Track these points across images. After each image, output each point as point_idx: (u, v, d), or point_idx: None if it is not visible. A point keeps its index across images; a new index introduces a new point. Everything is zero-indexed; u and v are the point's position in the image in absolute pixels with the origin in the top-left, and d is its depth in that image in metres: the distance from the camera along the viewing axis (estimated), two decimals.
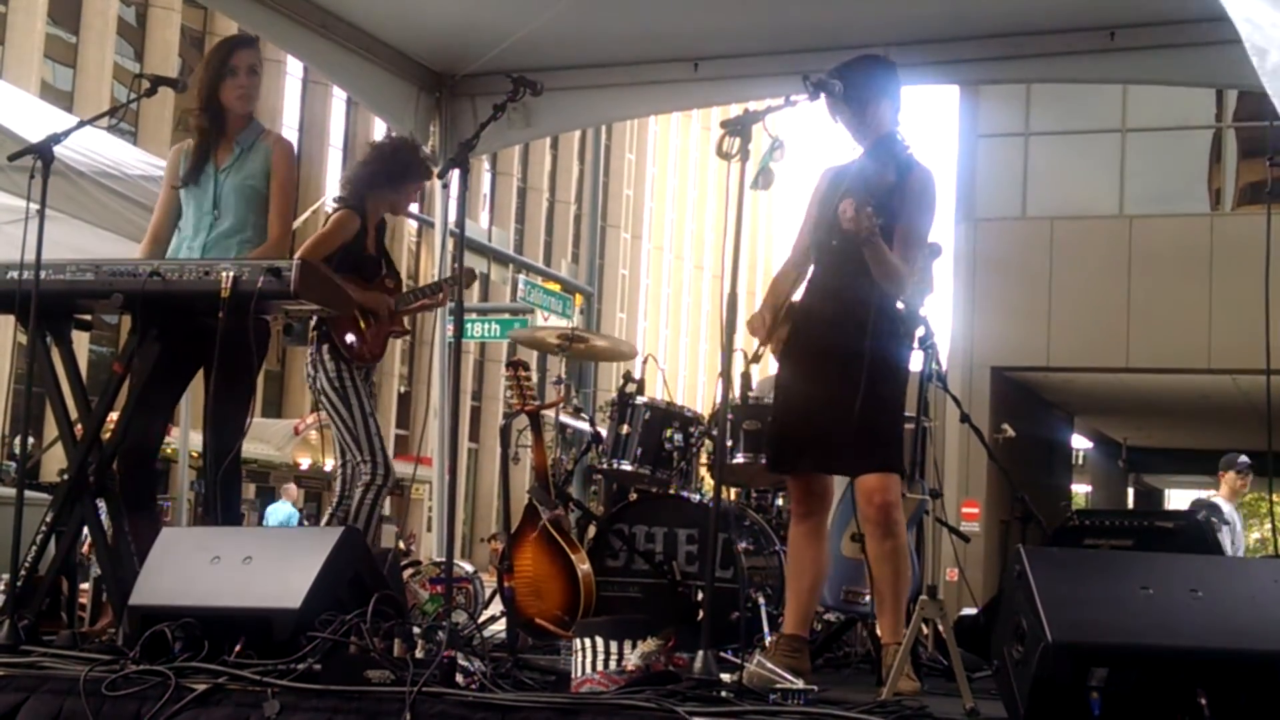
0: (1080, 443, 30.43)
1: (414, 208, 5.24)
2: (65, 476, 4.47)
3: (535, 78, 4.75)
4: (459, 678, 3.53)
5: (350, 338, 5.44)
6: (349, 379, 5.47)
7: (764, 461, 5.61)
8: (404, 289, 5.82)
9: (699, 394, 57.81)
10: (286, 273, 4.29)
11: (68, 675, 3.64)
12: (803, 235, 4.70)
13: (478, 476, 42.59)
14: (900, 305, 4.45)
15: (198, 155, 5.15)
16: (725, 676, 3.72)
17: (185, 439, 8.35)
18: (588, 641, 3.78)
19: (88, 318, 4.73)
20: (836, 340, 4.44)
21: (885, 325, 4.42)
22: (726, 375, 4.10)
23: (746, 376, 6.06)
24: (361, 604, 3.72)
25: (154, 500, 5.22)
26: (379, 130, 34.96)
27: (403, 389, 38.14)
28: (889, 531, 4.36)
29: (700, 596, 5.34)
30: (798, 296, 4.65)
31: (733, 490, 6.17)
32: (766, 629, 5.24)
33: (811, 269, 4.64)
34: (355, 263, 5.51)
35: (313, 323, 5.47)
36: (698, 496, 5.82)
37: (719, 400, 4.20)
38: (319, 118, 37.11)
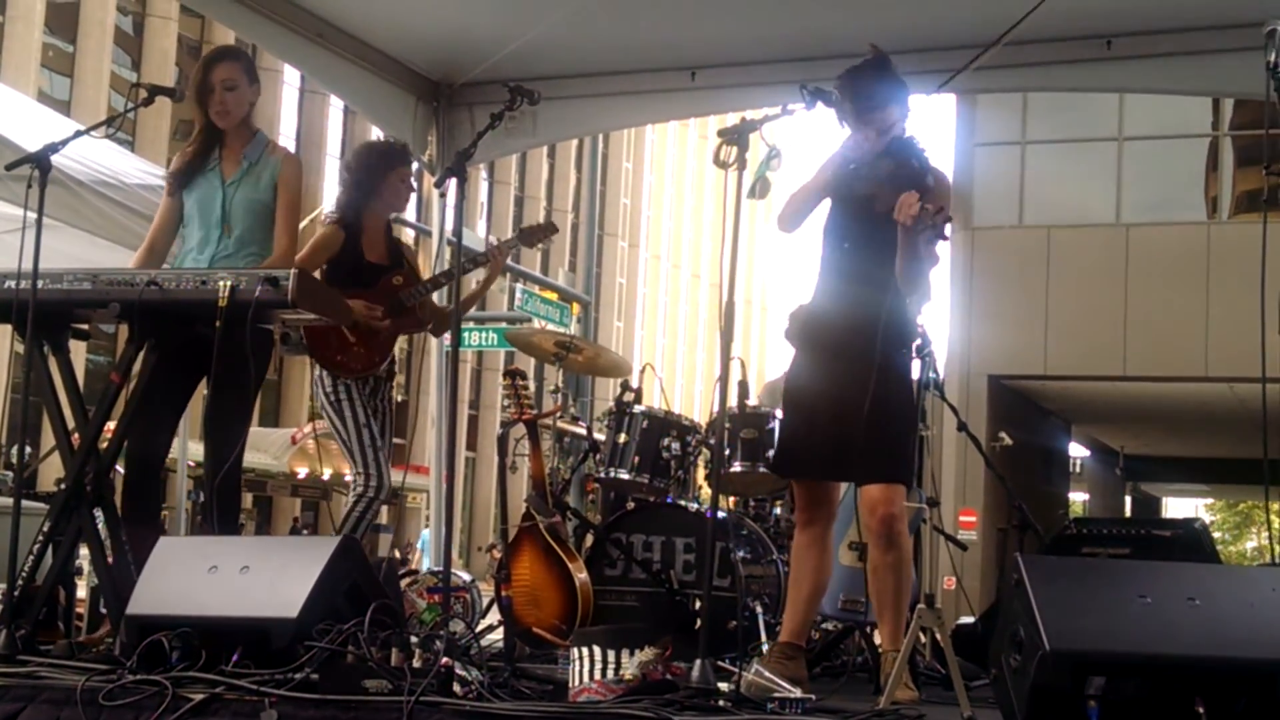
0: (1078, 451, 30.47)
1: (411, 216, 5.21)
2: (62, 486, 4.47)
3: (532, 87, 4.76)
4: (456, 687, 3.53)
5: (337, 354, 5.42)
6: (344, 392, 5.46)
7: (764, 468, 5.62)
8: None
9: (696, 403, 57.82)
10: (284, 282, 4.29)
11: (65, 685, 3.63)
12: (808, 189, 4.54)
13: (475, 485, 42.59)
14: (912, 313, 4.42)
15: (196, 164, 5.15)
16: (722, 685, 3.71)
17: (184, 449, 8.33)
18: (585, 650, 3.77)
19: (85, 327, 4.72)
20: (847, 346, 4.42)
21: (896, 333, 4.41)
22: (724, 383, 4.09)
23: (744, 385, 6.07)
24: (359, 613, 3.71)
25: (158, 513, 5.21)
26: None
27: (400, 398, 38.12)
28: (891, 543, 4.33)
29: (698, 605, 5.34)
30: (807, 300, 4.62)
31: (730, 499, 6.17)
32: (764, 638, 5.24)
33: (819, 274, 4.60)
34: (349, 273, 5.49)
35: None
36: (695, 505, 5.82)
37: (716, 409, 4.19)
38: (316, 127, 37.14)
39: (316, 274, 5.37)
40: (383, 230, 5.68)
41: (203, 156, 5.15)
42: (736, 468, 5.75)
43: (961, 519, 19.76)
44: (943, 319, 22.02)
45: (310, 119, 37.09)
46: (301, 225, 5.59)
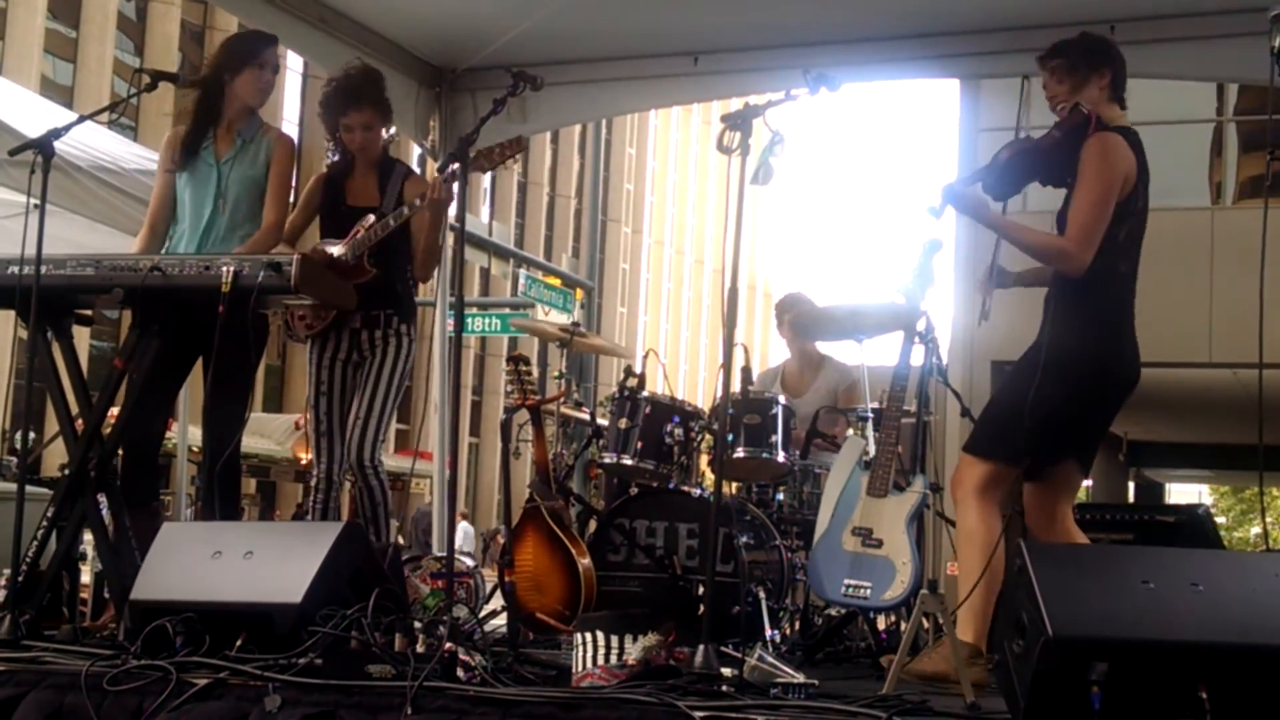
0: None
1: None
2: (66, 471, 4.47)
3: (535, 72, 4.75)
4: (460, 672, 3.54)
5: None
6: (308, 362, 5.39)
7: (766, 454, 5.64)
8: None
9: (699, 388, 57.84)
10: (287, 268, 4.30)
11: (69, 670, 3.64)
12: None
13: (478, 471, 42.66)
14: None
15: (192, 140, 5.13)
16: (726, 671, 3.72)
17: (184, 433, 8.35)
18: (588, 636, 3.78)
19: (88, 313, 4.73)
20: None
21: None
22: (727, 369, 4.09)
23: (747, 371, 6.06)
24: (362, 598, 3.72)
25: (156, 497, 5.22)
26: None
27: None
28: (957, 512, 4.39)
29: (701, 591, 5.34)
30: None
31: (733, 485, 6.17)
32: (767, 623, 5.25)
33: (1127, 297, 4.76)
34: (328, 224, 5.40)
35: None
36: (698, 491, 5.82)
37: (720, 394, 4.19)
38: None
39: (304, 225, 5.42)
40: (377, 170, 5.40)
41: (198, 136, 5.14)
42: (740, 453, 5.75)
43: None
44: (946, 305, 21.99)
45: (313, 104, 36.98)
46: None
